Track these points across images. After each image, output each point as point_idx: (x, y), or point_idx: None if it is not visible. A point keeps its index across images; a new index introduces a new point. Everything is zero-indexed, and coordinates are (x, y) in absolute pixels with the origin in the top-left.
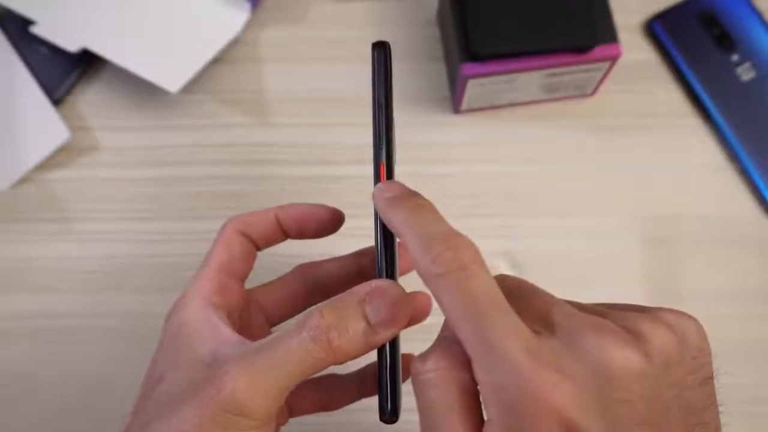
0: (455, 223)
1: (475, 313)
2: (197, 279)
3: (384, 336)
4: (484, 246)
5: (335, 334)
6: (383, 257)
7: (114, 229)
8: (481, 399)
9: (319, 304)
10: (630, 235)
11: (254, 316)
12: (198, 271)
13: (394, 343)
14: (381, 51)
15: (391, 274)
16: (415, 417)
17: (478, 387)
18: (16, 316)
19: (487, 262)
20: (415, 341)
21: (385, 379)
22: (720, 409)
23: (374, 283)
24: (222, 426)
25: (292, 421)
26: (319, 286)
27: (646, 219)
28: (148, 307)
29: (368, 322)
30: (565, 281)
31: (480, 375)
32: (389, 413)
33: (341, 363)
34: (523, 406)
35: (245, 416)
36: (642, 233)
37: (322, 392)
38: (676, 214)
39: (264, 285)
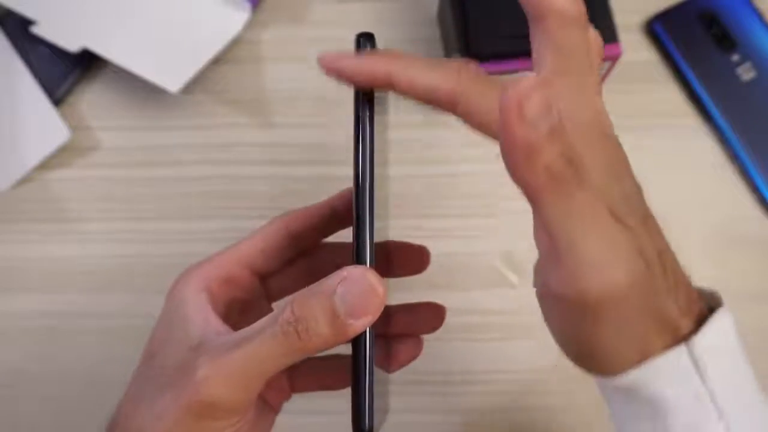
0: (455, 223)
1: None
2: (209, 260)
3: (356, 326)
4: (484, 246)
5: (303, 328)
6: (357, 240)
7: (114, 229)
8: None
9: (292, 296)
10: None
11: (260, 302)
12: (217, 252)
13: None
14: (366, 42)
15: (365, 259)
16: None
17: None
18: (16, 316)
19: (487, 263)
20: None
21: (363, 388)
22: None
23: (345, 272)
24: (197, 415)
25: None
26: (301, 234)
27: None
28: (148, 307)
29: (336, 313)
30: None
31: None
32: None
33: (315, 354)
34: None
35: (218, 408)
36: None
37: (326, 372)
38: (676, 214)
39: (246, 242)
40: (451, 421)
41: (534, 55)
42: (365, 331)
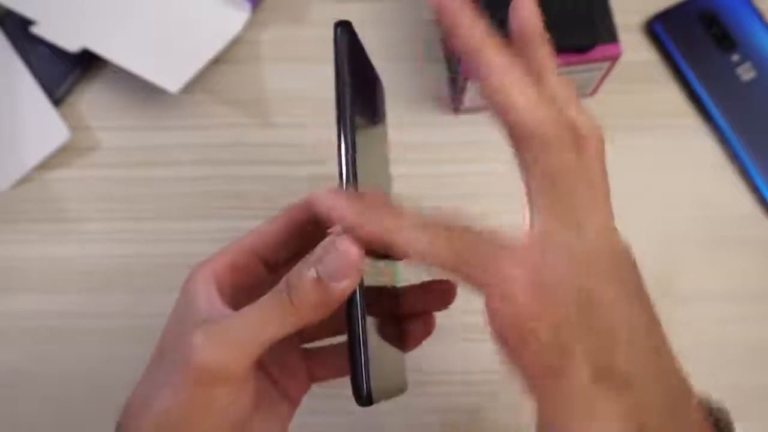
0: None
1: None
2: (214, 258)
3: (338, 288)
4: None
5: (295, 294)
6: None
7: (114, 229)
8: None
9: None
10: (629, 235)
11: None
12: (227, 245)
13: (362, 317)
14: (345, 32)
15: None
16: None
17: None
18: (16, 316)
19: None
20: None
21: (359, 353)
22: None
23: (329, 239)
24: (193, 383)
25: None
26: (305, 226)
27: (646, 219)
28: (148, 307)
29: (320, 277)
30: None
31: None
32: (365, 396)
33: (309, 321)
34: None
35: (212, 375)
36: (642, 233)
37: (343, 358)
38: (675, 214)
39: (249, 238)
40: (451, 420)
41: (524, 186)
42: (356, 300)
